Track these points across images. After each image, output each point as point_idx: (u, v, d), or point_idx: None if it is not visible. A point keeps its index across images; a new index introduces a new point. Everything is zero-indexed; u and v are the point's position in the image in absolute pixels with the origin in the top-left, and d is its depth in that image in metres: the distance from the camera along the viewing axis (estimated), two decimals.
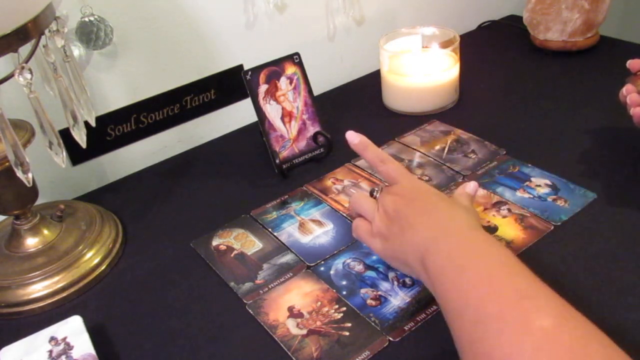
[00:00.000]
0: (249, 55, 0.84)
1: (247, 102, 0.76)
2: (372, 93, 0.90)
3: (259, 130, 0.74)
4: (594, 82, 0.87)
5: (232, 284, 0.59)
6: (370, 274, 0.58)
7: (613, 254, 0.56)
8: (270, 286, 0.58)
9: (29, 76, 0.50)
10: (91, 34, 0.69)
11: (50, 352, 0.49)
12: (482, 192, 0.66)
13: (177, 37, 0.78)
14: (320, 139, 0.76)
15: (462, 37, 0.86)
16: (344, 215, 0.66)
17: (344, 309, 0.54)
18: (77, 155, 0.75)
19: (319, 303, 0.55)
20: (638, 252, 0.56)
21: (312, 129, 0.77)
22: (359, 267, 0.59)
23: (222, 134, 0.87)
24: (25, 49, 0.53)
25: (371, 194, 0.55)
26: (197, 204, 0.72)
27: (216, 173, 0.78)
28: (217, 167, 0.79)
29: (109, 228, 0.66)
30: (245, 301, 0.56)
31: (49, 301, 0.59)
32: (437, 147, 0.76)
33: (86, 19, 0.68)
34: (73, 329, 0.51)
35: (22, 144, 0.54)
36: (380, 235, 0.52)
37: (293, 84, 0.75)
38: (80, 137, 0.59)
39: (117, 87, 0.76)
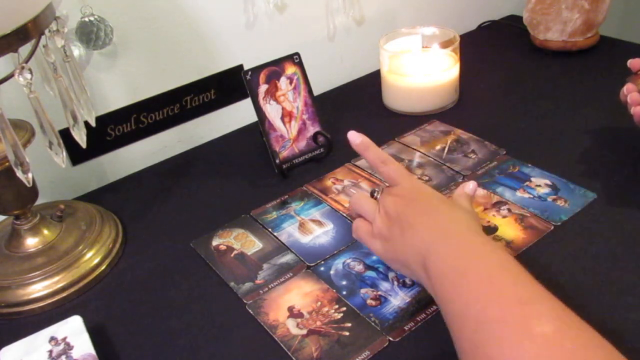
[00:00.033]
0: (249, 55, 0.84)
1: (247, 102, 0.76)
2: (372, 93, 0.90)
3: (259, 130, 0.74)
4: (594, 82, 0.87)
5: (232, 284, 0.59)
6: (370, 274, 0.58)
7: (613, 254, 0.56)
8: (270, 286, 0.58)
9: (29, 76, 0.50)
10: (91, 34, 0.69)
11: (50, 352, 0.49)
12: (482, 192, 0.66)
13: (177, 37, 0.78)
14: (320, 139, 0.77)
15: (462, 37, 0.86)
16: (344, 215, 0.66)
17: (344, 309, 0.54)
18: (77, 155, 0.75)
19: (319, 303, 0.55)
20: (638, 252, 0.56)
21: (312, 129, 0.77)
22: (359, 267, 0.59)
23: (222, 134, 0.87)
24: (25, 49, 0.53)
25: (372, 195, 0.55)
26: (197, 204, 0.72)
27: (216, 173, 0.78)
28: (217, 167, 0.79)
29: (109, 228, 0.66)
30: (245, 301, 0.56)
31: (49, 301, 0.59)
32: (437, 147, 0.76)
33: (86, 19, 0.68)
34: (73, 329, 0.51)
35: (22, 144, 0.54)
36: (381, 236, 0.52)
37: (293, 84, 0.75)
38: (80, 137, 0.59)
39: (117, 87, 0.76)
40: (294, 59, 0.75)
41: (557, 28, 0.93)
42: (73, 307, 0.59)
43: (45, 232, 0.63)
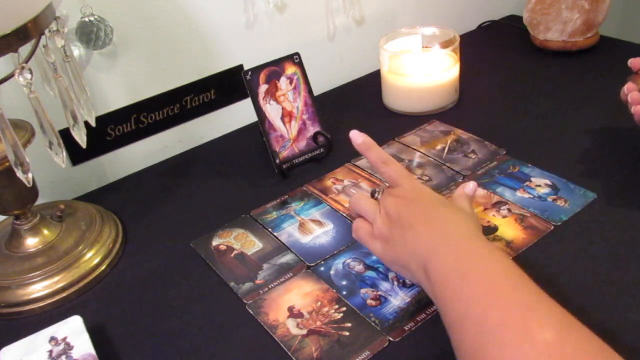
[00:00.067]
0: (249, 55, 0.84)
1: (247, 102, 0.76)
2: (372, 93, 0.90)
3: (259, 130, 0.74)
4: (594, 82, 0.87)
5: (232, 284, 0.59)
6: (370, 274, 0.58)
7: (613, 254, 0.56)
8: (270, 286, 0.58)
9: (29, 76, 0.50)
10: (91, 34, 0.69)
11: (50, 352, 0.49)
12: (482, 192, 0.66)
13: (177, 37, 0.78)
14: (320, 139, 0.76)
15: (462, 37, 0.86)
16: (344, 215, 0.66)
17: (344, 309, 0.54)
18: (77, 155, 0.75)
19: (319, 303, 0.55)
20: (638, 252, 0.56)
21: (312, 129, 0.77)
22: (359, 267, 0.59)
23: (222, 134, 0.87)
24: (25, 49, 0.53)
25: (372, 195, 0.55)
26: (197, 204, 0.72)
27: (216, 173, 0.78)
28: (217, 167, 0.79)
29: (109, 228, 0.66)
30: (245, 301, 0.56)
31: (49, 301, 0.59)
32: (437, 147, 0.76)
33: (86, 19, 0.68)
34: (73, 329, 0.51)
35: (22, 144, 0.54)
36: (381, 237, 0.52)
37: (293, 84, 0.75)
38: (80, 137, 0.59)
39: (117, 87, 0.76)
40: (294, 59, 0.75)
41: (557, 28, 0.93)
42: (73, 307, 0.59)
43: (45, 232, 0.63)
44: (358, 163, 0.75)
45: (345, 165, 0.75)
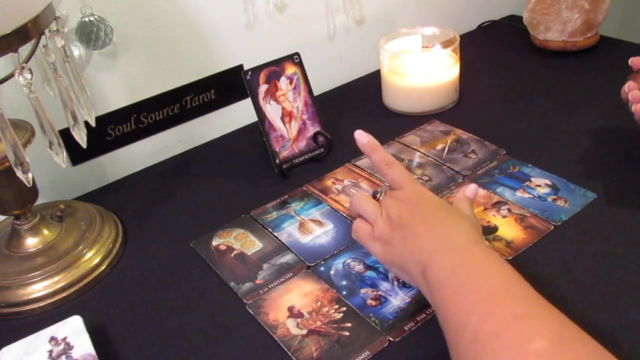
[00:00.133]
0: (249, 55, 0.84)
1: (247, 102, 0.76)
2: (372, 93, 0.90)
3: (259, 130, 0.74)
4: (594, 82, 0.87)
5: (232, 284, 0.59)
6: (370, 274, 0.58)
7: (613, 254, 0.56)
8: (270, 286, 0.58)
9: (29, 76, 0.50)
10: (91, 34, 0.69)
11: (50, 352, 0.49)
12: (482, 192, 0.66)
13: (177, 37, 0.78)
14: (320, 139, 0.77)
15: (462, 37, 0.86)
16: (344, 215, 0.66)
17: (344, 309, 0.54)
18: (77, 155, 0.75)
19: (319, 303, 0.55)
20: (638, 252, 0.56)
21: (312, 129, 0.77)
22: (359, 267, 0.59)
23: (222, 134, 0.87)
24: (25, 49, 0.53)
25: (374, 196, 0.55)
26: (197, 204, 0.72)
27: (216, 173, 0.78)
28: (217, 167, 0.79)
29: (109, 228, 0.66)
30: (245, 301, 0.56)
31: (49, 301, 0.59)
32: (437, 147, 0.76)
33: (86, 19, 0.68)
34: (73, 329, 0.51)
35: (22, 144, 0.54)
36: (382, 239, 0.52)
37: (293, 84, 0.75)
38: (81, 137, 0.59)
39: (117, 87, 0.76)
40: (294, 59, 0.75)
41: (557, 28, 0.93)
42: (73, 307, 0.59)
43: (45, 232, 0.63)
44: (358, 163, 0.75)
45: (345, 165, 0.75)
